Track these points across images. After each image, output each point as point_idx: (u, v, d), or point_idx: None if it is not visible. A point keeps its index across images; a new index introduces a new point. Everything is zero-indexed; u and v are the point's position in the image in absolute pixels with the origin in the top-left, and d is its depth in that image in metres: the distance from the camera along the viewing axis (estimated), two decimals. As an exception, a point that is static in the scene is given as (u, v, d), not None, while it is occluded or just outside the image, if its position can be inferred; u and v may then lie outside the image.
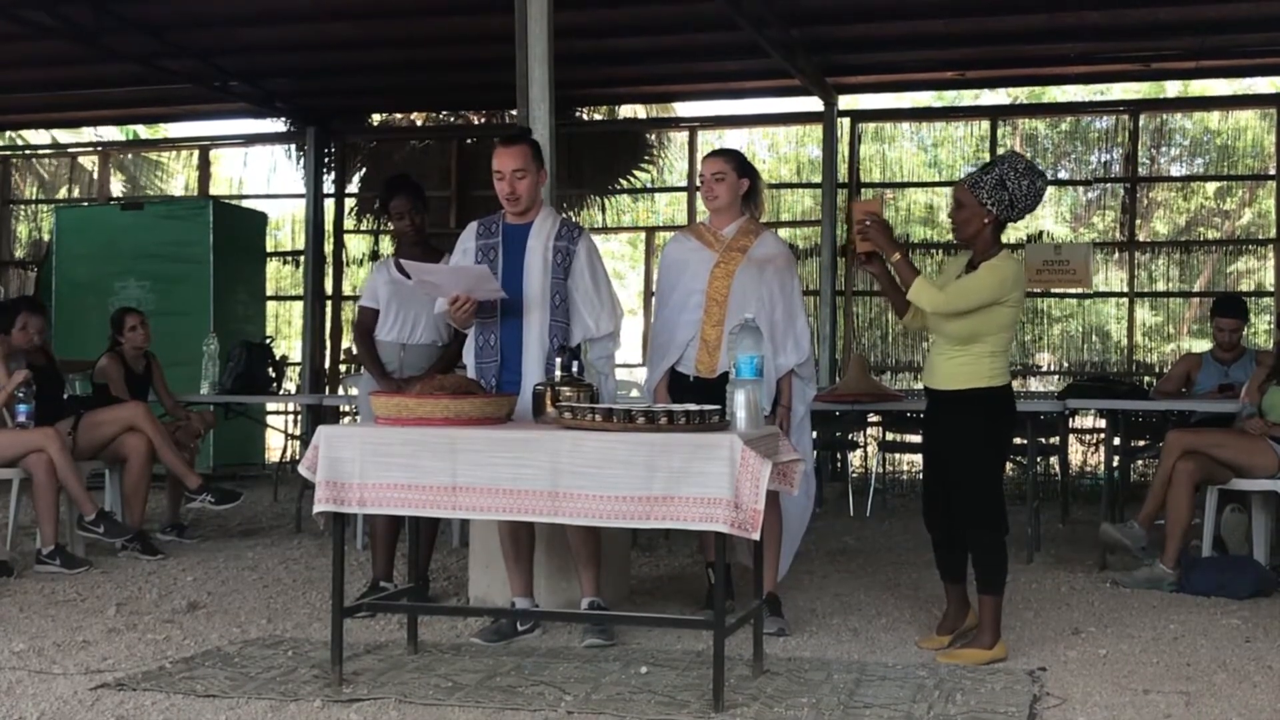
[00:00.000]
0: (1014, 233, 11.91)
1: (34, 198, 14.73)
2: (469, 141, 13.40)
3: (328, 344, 13.28)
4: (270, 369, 9.54)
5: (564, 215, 5.45)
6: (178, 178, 14.74)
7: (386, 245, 13.38)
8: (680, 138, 13.14)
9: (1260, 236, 11.83)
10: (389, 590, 5.75)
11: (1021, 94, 14.65)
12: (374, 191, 13.24)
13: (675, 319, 5.47)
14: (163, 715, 4.09)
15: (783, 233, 12.31)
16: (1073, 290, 11.70)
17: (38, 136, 16.35)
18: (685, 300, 5.44)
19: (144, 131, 16.59)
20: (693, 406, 4.34)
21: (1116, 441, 8.92)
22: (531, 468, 4.25)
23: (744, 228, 5.49)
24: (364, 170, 13.60)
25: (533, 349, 5.13)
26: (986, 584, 4.92)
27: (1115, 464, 8.86)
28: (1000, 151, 11.86)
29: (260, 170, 15.53)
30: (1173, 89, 14.44)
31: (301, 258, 13.33)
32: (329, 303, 13.27)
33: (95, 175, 14.61)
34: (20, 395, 6.89)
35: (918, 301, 4.87)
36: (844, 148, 12.02)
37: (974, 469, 4.93)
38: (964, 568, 5.10)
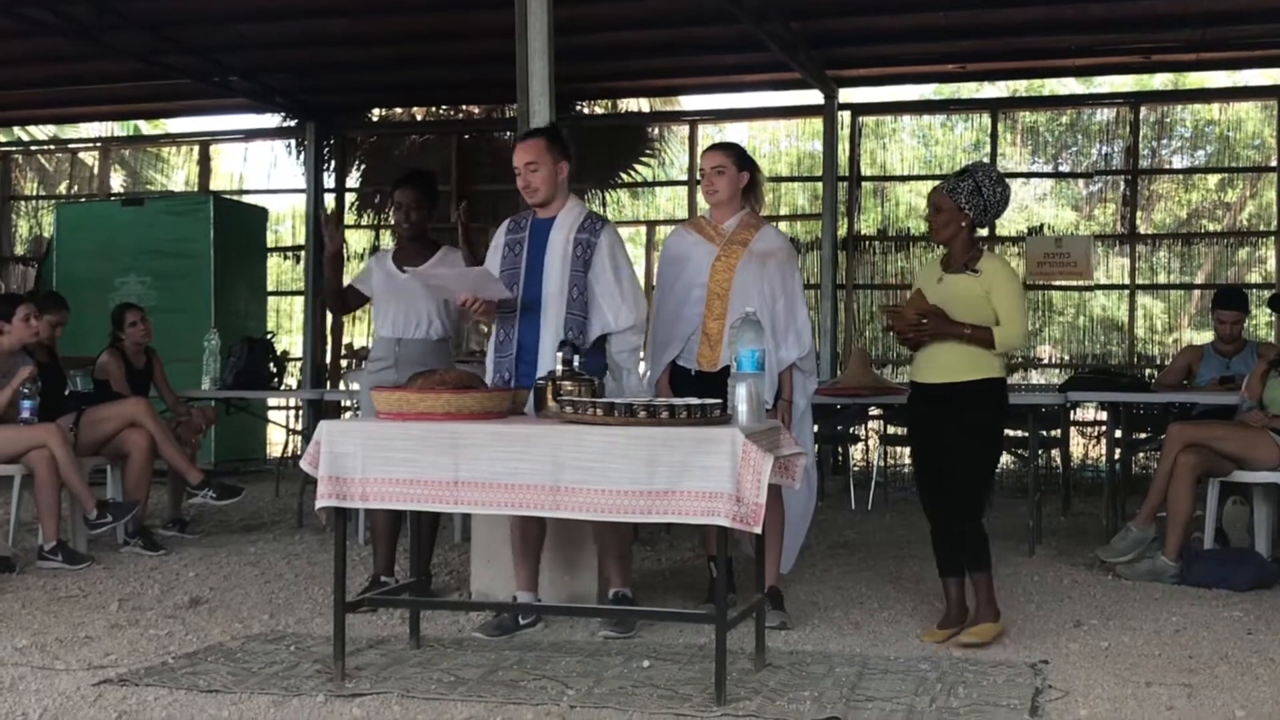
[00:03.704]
0: (1014, 226, 11.93)
1: (35, 194, 14.74)
2: (469, 136, 13.40)
3: (329, 339, 13.28)
4: (271, 364, 9.54)
5: (589, 208, 5.43)
6: (178, 173, 14.74)
7: (387, 239, 13.38)
8: (681, 131, 13.14)
9: (1261, 229, 11.82)
10: (390, 585, 5.76)
11: (1021, 87, 14.64)
12: (374, 186, 13.26)
13: (676, 313, 5.46)
14: (165, 710, 4.09)
15: (783, 226, 12.31)
16: (1074, 283, 11.69)
17: (39, 132, 16.35)
18: (686, 294, 5.43)
19: (145, 127, 16.60)
20: (694, 400, 4.34)
21: (1118, 434, 8.91)
22: (533, 462, 4.24)
23: (744, 221, 5.49)
24: (364, 165, 13.60)
25: (548, 344, 5.12)
26: (977, 563, 5.11)
27: (1117, 456, 8.86)
28: (1000, 146, 11.89)
29: (260, 165, 15.50)
30: (1172, 81, 14.42)
31: (302, 253, 13.33)
32: (330, 298, 13.26)
33: (96, 171, 14.61)
34: (25, 391, 6.89)
35: (1009, 349, 5.22)
36: (844, 141, 12.02)
37: (982, 460, 5.12)
38: (963, 560, 5.18)
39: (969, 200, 5.07)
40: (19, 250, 14.38)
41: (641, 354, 5.44)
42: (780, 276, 5.41)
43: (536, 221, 5.28)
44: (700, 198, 11.93)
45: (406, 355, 5.88)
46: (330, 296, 6.24)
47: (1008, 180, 5.24)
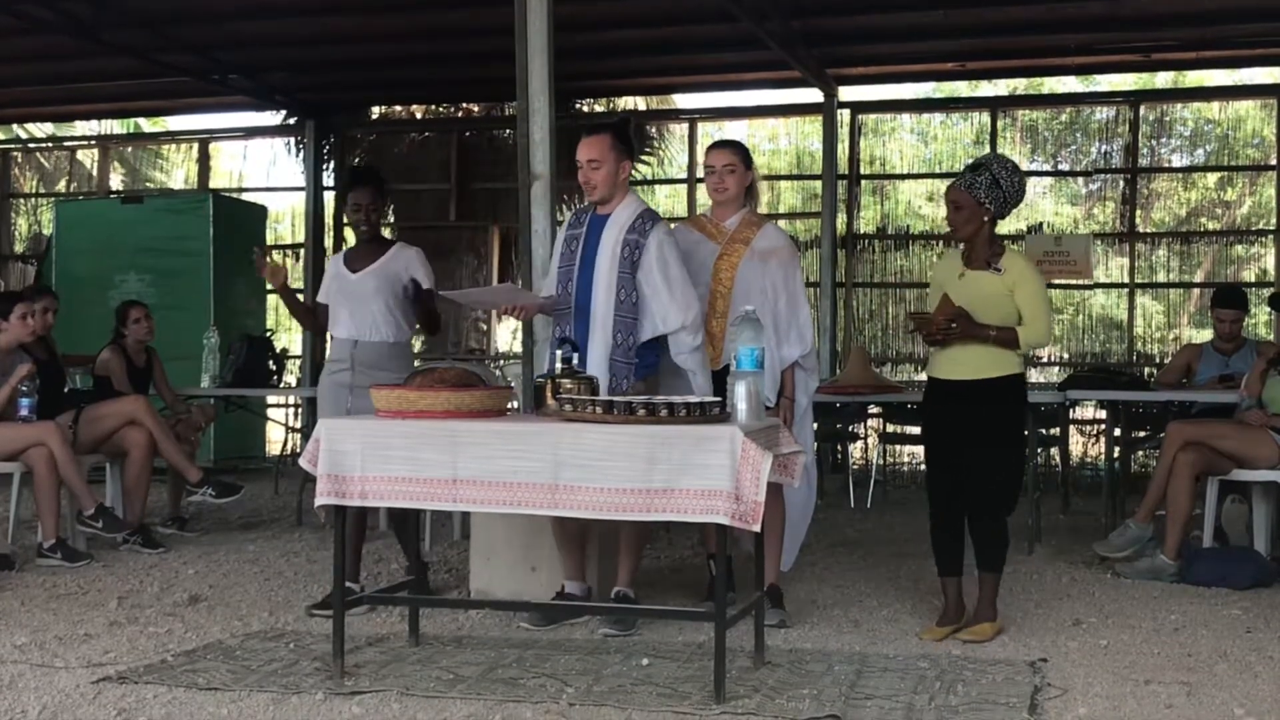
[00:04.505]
0: (1014, 224, 11.93)
1: (34, 191, 14.73)
2: (469, 134, 13.39)
3: (328, 337, 13.24)
4: (271, 362, 9.53)
5: (645, 205, 5.40)
6: (177, 171, 14.73)
7: (387, 236, 13.36)
8: (680, 130, 13.14)
9: (1261, 227, 11.82)
10: (353, 591, 5.65)
11: (1021, 85, 14.64)
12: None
13: None
14: (164, 708, 4.09)
15: (783, 224, 12.30)
16: (1073, 281, 11.69)
17: (37, 130, 16.35)
18: None
19: (144, 124, 16.59)
20: (693, 398, 4.34)
21: (1117, 432, 8.91)
22: (532, 460, 4.25)
23: (746, 220, 5.49)
24: (363, 163, 13.58)
25: (596, 345, 5.12)
26: (992, 563, 5.16)
27: (1116, 455, 8.86)
28: (999, 144, 11.88)
29: (260, 163, 15.52)
30: (1172, 80, 14.45)
31: (302, 251, 13.33)
32: (329, 296, 13.24)
33: (95, 169, 14.61)
34: (24, 389, 6.89)
35: (1033, 348, 5.39)
36: (844, 139, 12.01)
37: (1006, 457, 5.17)
38: (963, 560, 5.22)
39: (988, 194, 5.05)
40: (18, 248, 14.37)
41: (701, 353, 5.27)
42: (783, 274, 5.42)
43: (595, 218, 5.29)
44: (700, 195, 11.84)
45: (364, 358, 5.78)
46: (304, 323, 6.24)
47: (1021, 170, 5.23)
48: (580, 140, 5.24)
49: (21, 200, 14.63)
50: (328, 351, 5.97)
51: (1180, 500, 6.41)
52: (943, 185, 12.31)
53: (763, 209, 12.32)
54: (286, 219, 14.29)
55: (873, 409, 10.35)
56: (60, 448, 6.80)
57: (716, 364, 5.31)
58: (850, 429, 10.48)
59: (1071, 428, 10.46)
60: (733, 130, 12.94)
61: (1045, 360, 12.10)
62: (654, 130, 13.23)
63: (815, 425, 8.83)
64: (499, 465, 4.28)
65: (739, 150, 5.52)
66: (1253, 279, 11.74)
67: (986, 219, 5.10)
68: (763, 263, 5.39)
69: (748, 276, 5.37)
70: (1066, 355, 12.00)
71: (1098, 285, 11.99)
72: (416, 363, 9.19)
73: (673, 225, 5.53)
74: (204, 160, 14.31)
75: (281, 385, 10.55)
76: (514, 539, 5.73)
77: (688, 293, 5.17)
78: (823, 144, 12.02)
